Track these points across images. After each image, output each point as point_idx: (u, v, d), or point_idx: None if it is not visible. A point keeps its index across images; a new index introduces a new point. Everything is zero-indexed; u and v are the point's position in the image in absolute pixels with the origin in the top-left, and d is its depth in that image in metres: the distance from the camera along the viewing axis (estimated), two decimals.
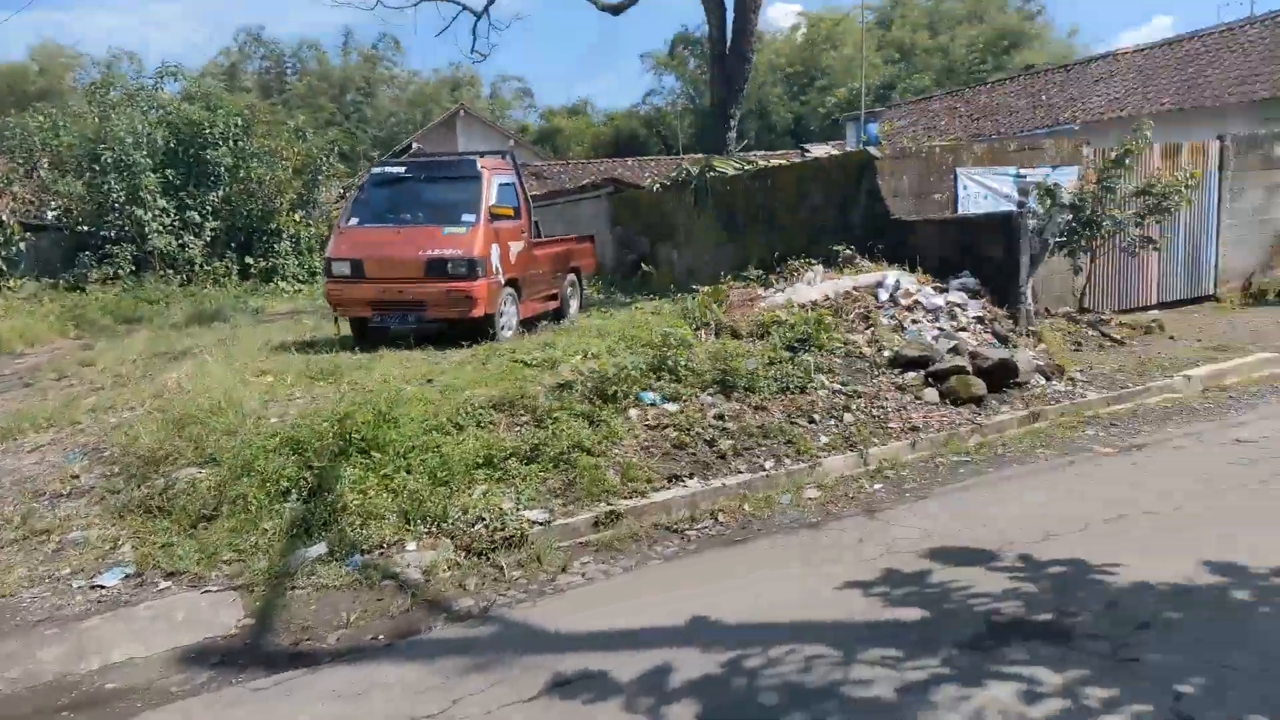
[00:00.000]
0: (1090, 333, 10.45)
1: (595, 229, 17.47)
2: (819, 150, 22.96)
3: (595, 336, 9.27)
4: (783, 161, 16.77)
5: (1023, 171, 11.96)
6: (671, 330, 7.82)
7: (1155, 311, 12.06)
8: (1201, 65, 19.90)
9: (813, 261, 10.36)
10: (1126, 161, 10.98)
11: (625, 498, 5.65)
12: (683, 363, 7.28)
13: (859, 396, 7.33)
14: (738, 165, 15.76)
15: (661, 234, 17.18)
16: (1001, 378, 7.93)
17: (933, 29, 46.97)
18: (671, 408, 6.82)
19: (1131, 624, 3.72)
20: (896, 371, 7.90)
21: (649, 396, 6.90)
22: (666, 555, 5.03)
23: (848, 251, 10.42)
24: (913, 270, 9.80)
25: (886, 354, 8.13)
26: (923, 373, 7.85)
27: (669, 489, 5.83)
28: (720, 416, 6.75)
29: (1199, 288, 13.14)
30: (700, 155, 20.94)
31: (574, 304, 12.97)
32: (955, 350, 8.14)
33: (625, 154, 38.56)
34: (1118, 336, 10.36)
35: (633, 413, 6.69)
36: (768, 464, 6.23)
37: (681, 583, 4.62)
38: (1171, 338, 10.47)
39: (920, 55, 45.13)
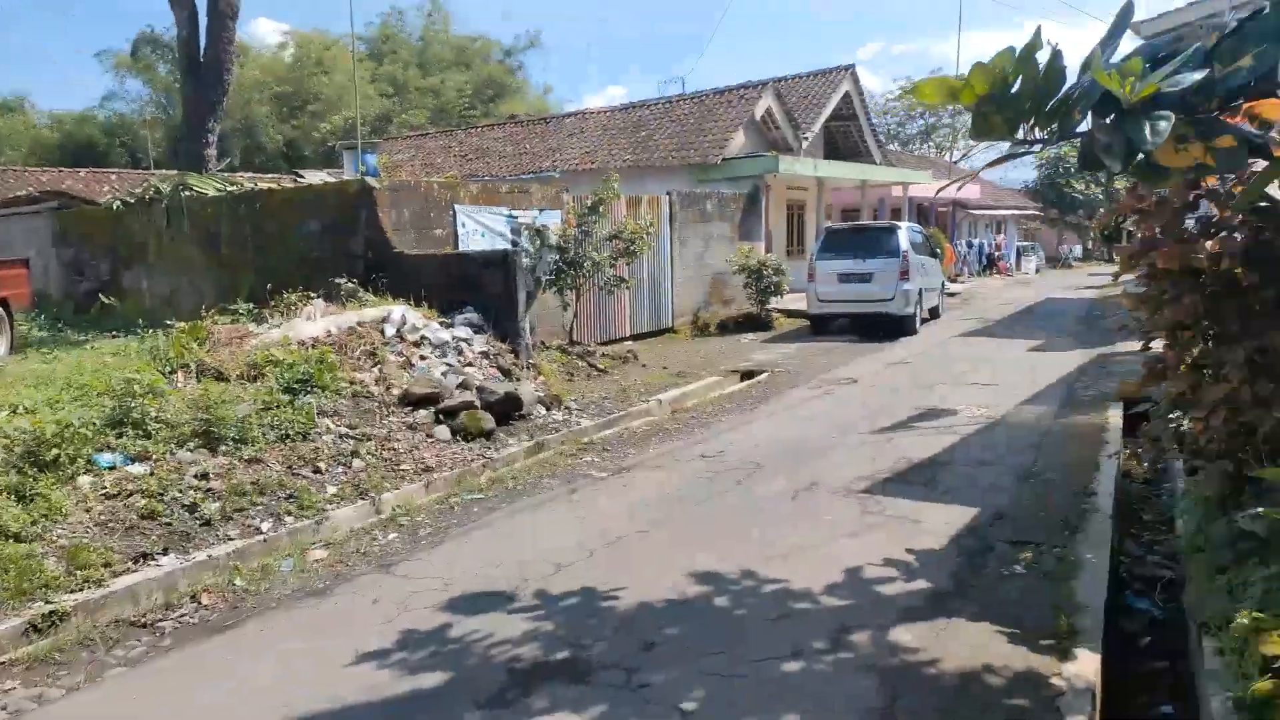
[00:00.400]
0: (580, 363, 11.36)
1: (33, 251, 14.32)
2: (315, 177, 21.82)
3: (31, 386, 7.45)
4: (274, 186, 15.52)
5: (514, 212, 12.65)
6: (137, 375, 6.55)
7: (630, 343, 13.61)
8: (651, 130, 23.31)
9: (312, 295, 9.63)
10: (600, 209, 12.26)
11: (73, 591, 4.48)
12: (152, 414, 6.13)
13: (369, 439, 6.90)
14: (220, 186, 14.20)
15: (127, 259, 14.73)
16: (508, 410, 8.14)
17: (424, 69, 48.26)
18: (138, 470, 5.67)
19: (640, 646, 3.91)
20: (407, 410, 7.64)
21: (107, 459, 5.65)
22: (131, 659, 4.06)
23: (350, 285, 9.92)
24: (419, 305, 9.65)
25: (396, 392, 7.82)
26: (433, 410, 7.70)
27: (136, 571, 4.78)
28: (204, 475, 5.80)
29: (661, 321, 15.20)
30: (175, 172, 18.50)
31: (0, 344, 10.37)
32: (464, 386, 8.16)
33: (79, 164, 32.62)
34: (602, 366, 11.43)
35: (84, 480, 5.41)
36: (265, 525, 5.48)
37: (148, 693, 3.74)
38: (644, 365, 11.87)
39: (414, 93, 46.01)
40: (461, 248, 11.63)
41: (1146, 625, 4.63)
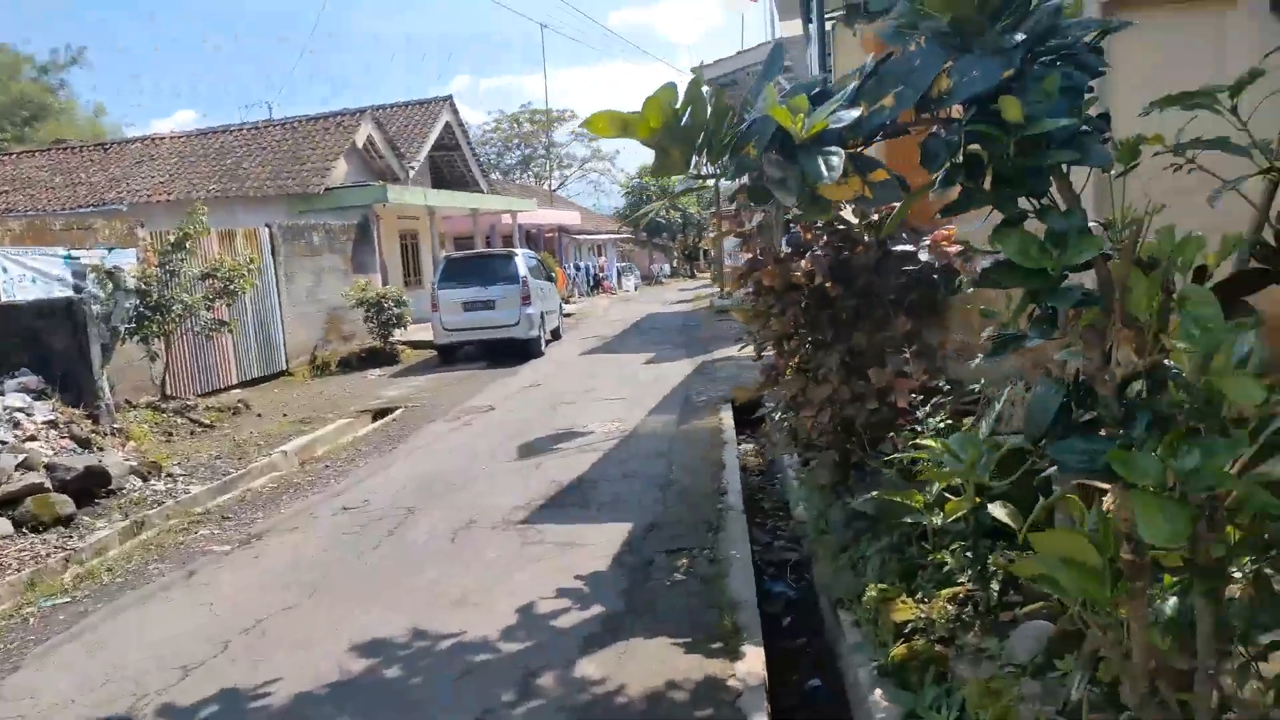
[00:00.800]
0: (180, 420, 9.92)
1: None
2: None
3: None
4: None
5: (75, 253, 10.75)
6: None
7: (239, 391, 12.24)
8: (239, 157, 21.35)
9: None
10: (187, 245, 10.89)
11: None
12: None
13: None
14: None
15: None
16: (91, 488, 6.82)
17: None
18: None
19: None
20: None
21: None
22: None
23: None
24: None
25: None
26: None
27: None
28: None
29: (274, 364, 13.89)
30: None
31: None
32: (27, 465, 6.66)
33: None
34: (208, 421, 10.10)
35: None
36: None
37: None
38: (259, 415, 10.72)
39: None
40: (4, 298, 9.55)
41: (784, 606, 5.11)
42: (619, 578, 4.95)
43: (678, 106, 2.00)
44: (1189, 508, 1.76)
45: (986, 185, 1.86)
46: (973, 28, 1.91)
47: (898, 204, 2.17)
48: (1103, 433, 1.98)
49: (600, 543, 5.52)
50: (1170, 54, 4.63)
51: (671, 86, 2.08)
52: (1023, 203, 1.85)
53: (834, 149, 1.75)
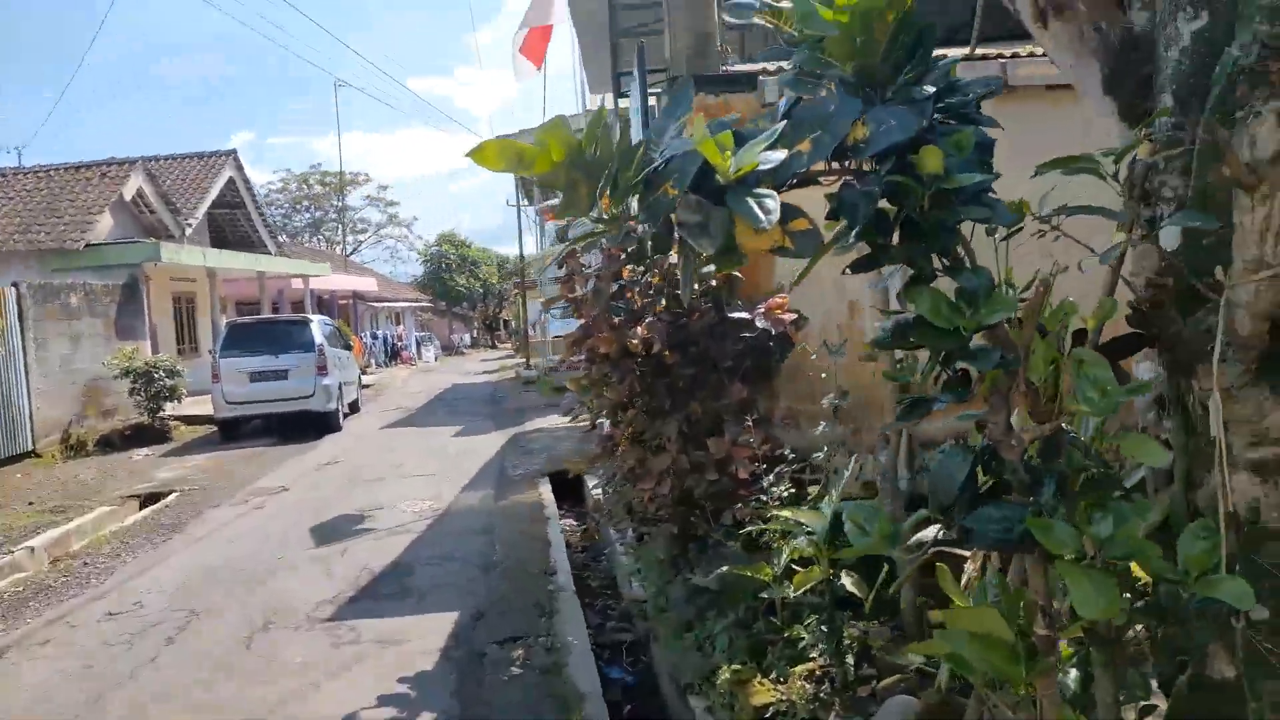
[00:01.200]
0: None
1: None
2: None
3: None
4: None
5: None
6: None
7: None
8: None
9: None
10: None
11: None
12: None
13: None
14: None
15: None
16: None
17: None
18: None
19: None
20: None
21: None
22: None
23: None
24: None
25: None
26: None
27: None
28: None
29: (18, 444, 12.03)
30: None
31: None
32: None
33: None
34: None
35: None
36: None
37: None
38: None
39: None
40: None
41: (623, 692, 4.80)
42: (449, 676, 4.45)
43: (581, 139, 1.78)
44: (1114, 577, 1.71)
45: (893, 241, 1.77)
46: (878, 77, 1.84)
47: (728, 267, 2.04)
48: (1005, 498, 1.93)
49: (424, 637, 4.98)
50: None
51: (563, 119, 1.86)
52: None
53: (766, 192, 1.58)
